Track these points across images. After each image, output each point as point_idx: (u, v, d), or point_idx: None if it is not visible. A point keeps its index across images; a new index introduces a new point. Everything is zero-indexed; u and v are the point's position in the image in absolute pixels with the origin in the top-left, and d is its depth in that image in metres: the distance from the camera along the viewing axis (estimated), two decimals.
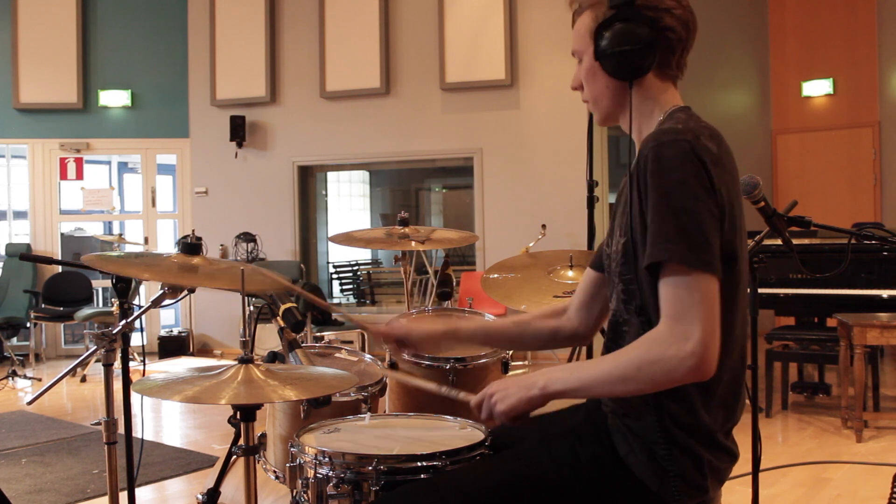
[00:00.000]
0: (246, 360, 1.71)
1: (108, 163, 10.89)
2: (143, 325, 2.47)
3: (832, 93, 8.94)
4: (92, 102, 8.78)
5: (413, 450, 1.71)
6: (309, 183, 8.86)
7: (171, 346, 8.33)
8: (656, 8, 1.47)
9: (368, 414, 2.04)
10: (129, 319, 2.03)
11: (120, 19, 8.82)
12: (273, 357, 1.98)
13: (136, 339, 6.03)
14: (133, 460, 2.26)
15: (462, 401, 1.68)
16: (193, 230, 2.33)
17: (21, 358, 7.64)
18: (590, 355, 4.03)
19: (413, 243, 2.90)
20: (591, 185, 4.09)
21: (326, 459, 1.68)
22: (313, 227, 8.95)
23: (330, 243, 8.95)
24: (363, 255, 11.40)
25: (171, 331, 8.61)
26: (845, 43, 8.81)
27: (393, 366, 2.48)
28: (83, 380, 7.00)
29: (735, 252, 1.40)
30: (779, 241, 2.23)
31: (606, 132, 7.41)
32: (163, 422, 5.59)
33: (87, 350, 6.43)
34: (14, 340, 8.25)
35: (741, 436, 1.57)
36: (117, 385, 2.12)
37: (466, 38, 7.87)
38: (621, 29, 1.46)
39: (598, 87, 1.56)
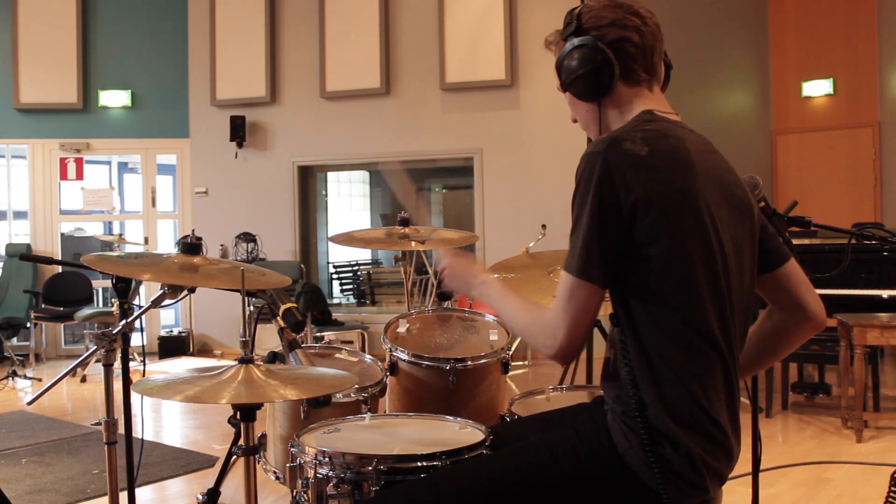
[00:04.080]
0: (246, 361, 1.71)
1: (108, 163, 10.89)
2: (143, 325, 2.47)
3: (832, 93, 8.94)
4: (92, 102, 8.78)
5: (413, 450, 1.71)
6: (309, 183, 8.86)
7: (171, 346, 8.33)
8: (599, 27, 1.55)
9: (368, 414, 2.04)
10: (129, 319, 2.03)
11: (120, 19, 8.82)
12: (273, 357, 1.98)
13: (136, 340, 6.03)
14: (133, 460, 2.26)
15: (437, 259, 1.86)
16: (193, 230, 2.33)
17: (21, 358, 7.64)
18: (590, 360, 4.03)
19: (413, 243, 2.89)
20: None
21: (326, 459, 1.68)
22: (313, 227, 8.95)
23: (330, 243, 8.95)
24: (363, 255, 11.40)
25: (171, 331, 8.61)
26: (845, 43, 8.80)
27: (392, 368, 2.48)
28: (83, 380, 7.00)
29: (665, 252, 1.42)
30: None
31: None
32: (163, 422, 5.59)
33: (87, 350, 6.43)
34: (14, 340, 8.24)
35: (741, 436, 1.57)
36: (117, 385, 2.12)
37: (466, 38, 7.87)
38: (573, 56, 1.56)
39: (581, 114, 1.66)
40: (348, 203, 11.73)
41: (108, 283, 3.58)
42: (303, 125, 8.46)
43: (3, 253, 8.64)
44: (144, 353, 2.90)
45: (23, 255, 4.00)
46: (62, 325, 8.33)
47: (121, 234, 7.91)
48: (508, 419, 2.09)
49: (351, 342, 7.44)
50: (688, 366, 1.45)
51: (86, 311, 7.43)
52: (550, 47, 1.68)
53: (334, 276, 10.32)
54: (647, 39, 1.56)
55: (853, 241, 2.38)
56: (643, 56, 1.56)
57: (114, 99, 8.79)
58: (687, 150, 1.49)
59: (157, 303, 2.06)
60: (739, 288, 1.53)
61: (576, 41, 1.56)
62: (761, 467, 2.71)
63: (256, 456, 1.75)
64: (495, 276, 2.81)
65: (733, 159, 1.64)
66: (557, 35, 1.65)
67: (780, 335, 1.75)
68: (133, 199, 9.90)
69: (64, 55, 8.63)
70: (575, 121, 1.70)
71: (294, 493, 1.80)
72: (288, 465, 1.79)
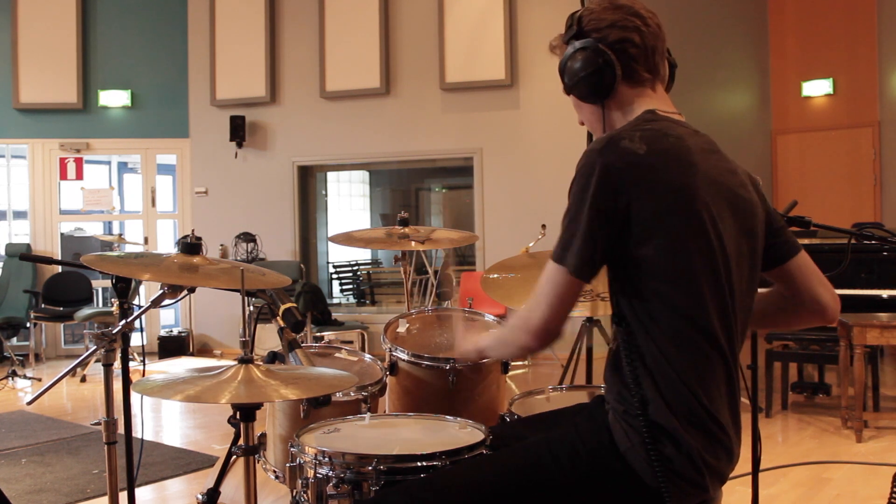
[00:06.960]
0: (246, 360, 1.71)
1: (108, 163, 10.88)
2: (143, 325, 2.47)
3: (832, 93, 8.94)
4: (92, 102, 8.77)
5: (413, 450, 1.71)
6: (309, 183, 8.86)
7: (171, 346, 8.33)
8: (600, 28, 1.56)
9: (368, 414, 2.04)
10: (129, 319, 2.03)
11: (120, 19, 8.81)
12: (273, 357, 1.98)
13: (136, 339, 6.03)
14: (133, 460, 2.26)
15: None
16: (193, 230, 2.33)
17: (21, 358, 7.64)
18: (590, 360, 4.03)
19: (413, 243, 2.89)
20: None
21: (326, 459, 1.68)
22: (313, 227, 8.95)
23: (330, 243, 8.95)
24: (363, 255, 11.40)
25: (171, 331, 8.61)
26: (845, 43, 8.81)
27: (392, 368, 2.48)
28: (83, 380, 7.00)
29: (663, 251, 1.42)
30: None
31: None
32: (163, 422, 5.59)
33: (87, 350, 6.43)
34: (14, 340, 8.24)
35: (741, 435, 1.57)
36: (117, 385, 2.12)
37: (466, 38, 7.87)
38: (575, 59, 1.58)
39: (587, 115, 1.67)
40: (348, 203, 11.73)
41: (108, 283, 3.58)
42: (303, 125, 8.46)
43: (3, 253, 8.64)
44: (144, 353, 2.90)
45: (23, 255, 4.00)
46: (62, 325, 8.33)
47: (121, 234, 7.91)
48: (508, 419, 2.09)
49: (351, 342, 7.44)
50: (689, 364, 1.45)
51: (86, 311, 7.43)
52: (555, 51, 1.69)
53: (334, 276, 10.32)
54: (648, 40, 1.56)
55: (853, 241, 2.38)
56: (645, 56, 1.57)
57: (114, 99, 8.78)
58: (687, 149, 1.49)
59: (156, 303, 2.06)
60: (741, 287, 1.54)
61: (577, 44, 1.58)
62: (761, 467, 2.71)
63: (256, 456, 1.75)
64: (495, 275, 2.81)
65: (733, 159, 1.64)
66: (560, 39, 1.66)
67: (789, 321, 1.78)
68: (133, 199, 9.90)
69: (64, 55, 8.63)
70: (583, 123, 1.71)
71: (294, 493, 1.80)
72: (288, 464, 1.79)
